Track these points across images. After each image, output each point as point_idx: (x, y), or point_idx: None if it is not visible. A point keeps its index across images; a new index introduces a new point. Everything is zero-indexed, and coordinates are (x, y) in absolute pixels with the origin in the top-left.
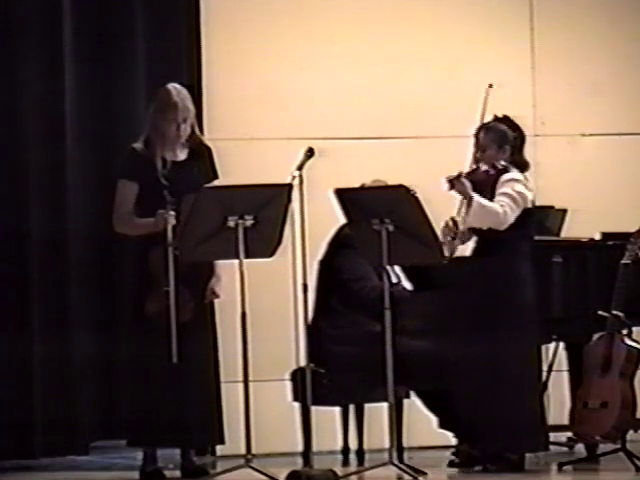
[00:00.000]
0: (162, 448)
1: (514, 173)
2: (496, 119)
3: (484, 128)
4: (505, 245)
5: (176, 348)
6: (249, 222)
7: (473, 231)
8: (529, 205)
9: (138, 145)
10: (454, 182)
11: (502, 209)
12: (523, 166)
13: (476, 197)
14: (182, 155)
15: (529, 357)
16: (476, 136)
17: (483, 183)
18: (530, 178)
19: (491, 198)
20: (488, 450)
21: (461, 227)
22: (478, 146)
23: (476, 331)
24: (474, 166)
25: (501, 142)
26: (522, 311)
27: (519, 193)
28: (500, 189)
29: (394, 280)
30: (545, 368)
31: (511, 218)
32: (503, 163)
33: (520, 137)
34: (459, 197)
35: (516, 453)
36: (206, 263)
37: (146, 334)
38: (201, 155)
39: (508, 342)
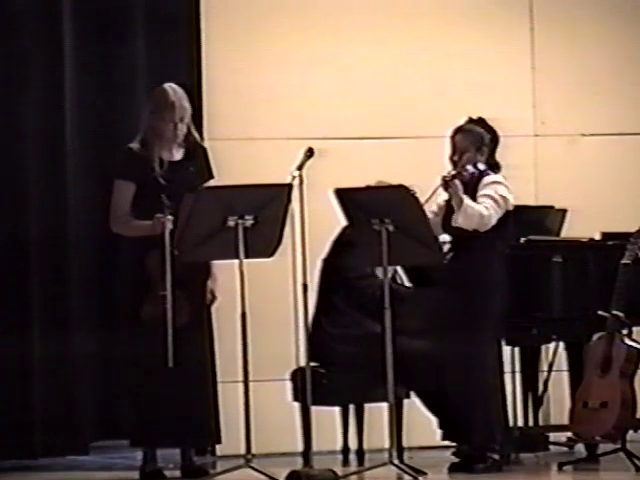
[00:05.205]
0: (162, 448)
1: (496, 176)
2: (471, 121)
3: (461, 131)
4: (481, 245)
5: (172, 353)
6: (249, 222)
7: (448, 231)
8: (510, 208)
9: (135, 145)
10: (449, 183)
11: (487, 211)
12: (496, 167)
13: (465, 199)
14: (178, 155)
15: (491, 357)
16: (452, 139)
17: (467, 185)
18: (530, 178)
19: (471, 200)
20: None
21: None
22: (455, 149)
23: (451, 331)
24: (467, 168)
25: (479, 144)
26: (487, 313)
27: (502, 196)
28: (483, 191)
29: (398, 281)
30: (545, 368)
31: (494, 220)
32: (483, 166)
33: (494, 139)
34: (443, 194)
35: (478, 450)
36: (202, 265)
37: (143, 337)
38: (197, 155)
39: (472, 343)
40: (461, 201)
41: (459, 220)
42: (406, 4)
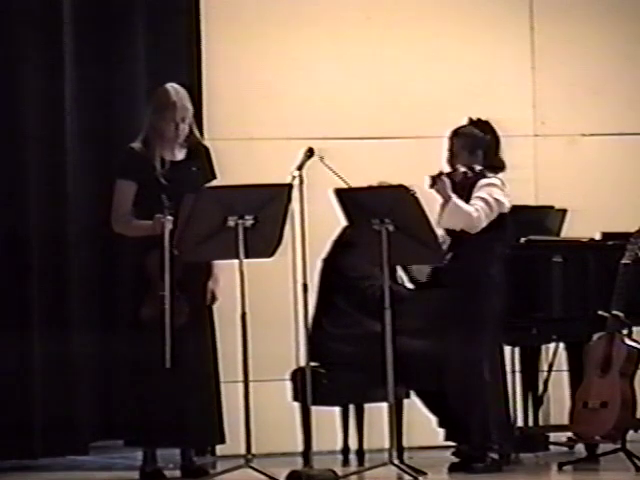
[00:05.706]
0: (160, 448)
1: (492, 178)
2: (471, 122)
3: (456, 134)
4: (479, 247)
5: (169, 353)
6: (249, 222)
7: (447, 232)
8: (505, 211)
9: (136, 145)
10: (436, 180)
11: (476, 213)
12: (499, 167)
13: (454, 197)
14: (180, 155)
15: (490, 357)
16: (450, 141)
17: (460, 185)
18: (530, 178)
19: (466, 200)
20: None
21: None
22: (451, 152)
23: (451, 331)
24: (458, 168)
25: (472, 147)
26: (486, 314)
27: (496, 200)
28: (477, 193)
29: (399, 282)
30: (545, 368)
31: (484, 222)
32: (479, 167)
33: (494, 139)
34: (438, 196)
35: (477, 450)
36: (203, 266)
37: (143, 337)
38: (199, 155)
39: (472, 343)
40: (449, 198)
41: (444, 218)
42: (406, 4)
